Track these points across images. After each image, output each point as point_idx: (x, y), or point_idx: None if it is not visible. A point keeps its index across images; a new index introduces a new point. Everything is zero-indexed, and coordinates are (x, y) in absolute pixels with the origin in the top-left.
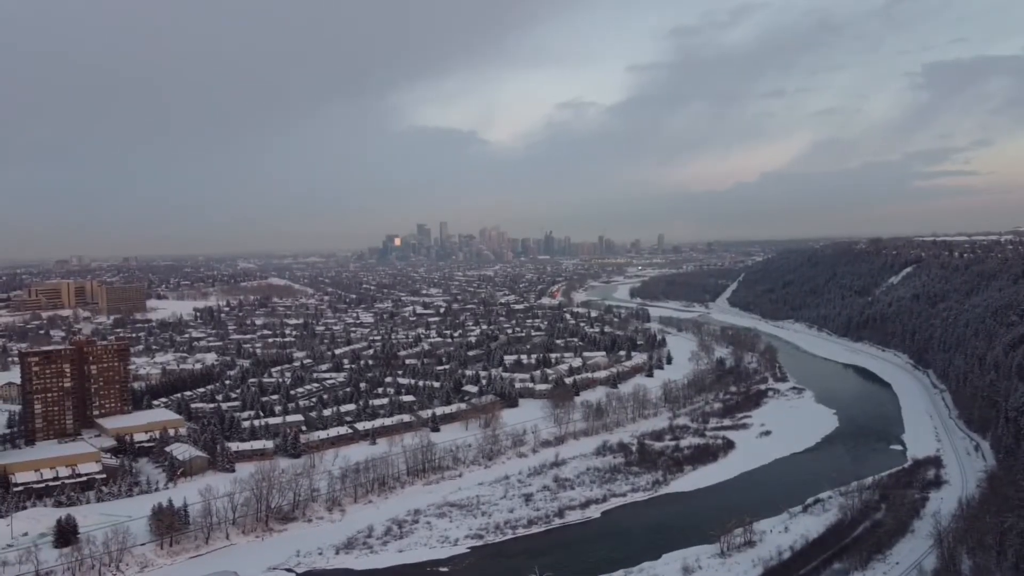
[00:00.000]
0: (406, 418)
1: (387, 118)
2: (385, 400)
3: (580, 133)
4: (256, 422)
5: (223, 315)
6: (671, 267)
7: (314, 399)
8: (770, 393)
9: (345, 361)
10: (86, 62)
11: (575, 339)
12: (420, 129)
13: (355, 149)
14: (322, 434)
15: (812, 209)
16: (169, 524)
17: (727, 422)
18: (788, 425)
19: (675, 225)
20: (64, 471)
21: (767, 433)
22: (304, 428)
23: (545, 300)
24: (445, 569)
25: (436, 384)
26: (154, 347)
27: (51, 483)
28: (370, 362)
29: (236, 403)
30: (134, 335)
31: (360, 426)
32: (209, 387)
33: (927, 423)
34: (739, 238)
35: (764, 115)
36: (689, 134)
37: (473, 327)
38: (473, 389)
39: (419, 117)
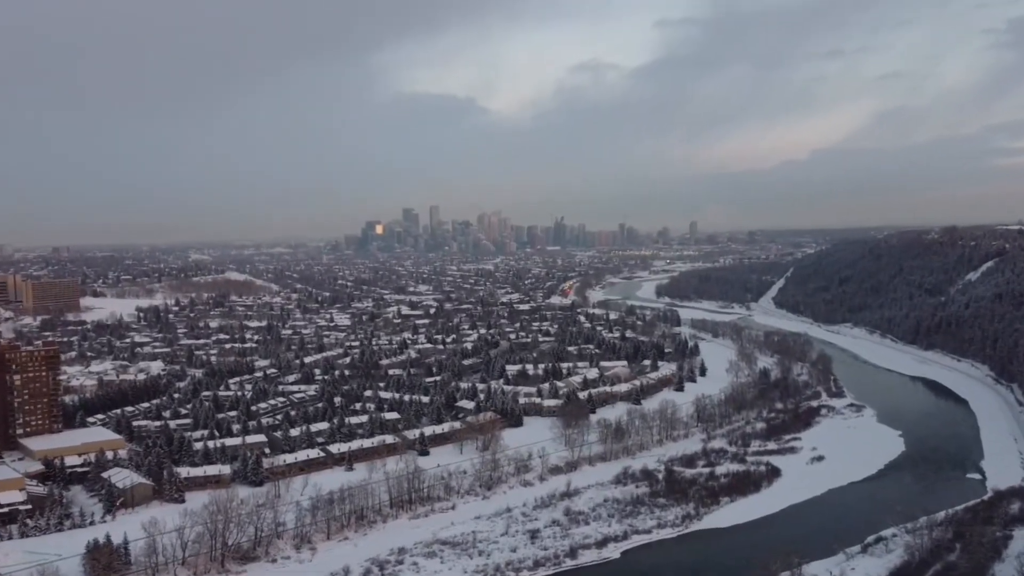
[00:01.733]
0: (389, 439)
1: (369, 83)
2: (364, 418)
3: (598, 101)
4: (211, 443)
5: (171, 316)
6: (705, 260)
7: (279, 416)
8: (823, 411)
9: (316, 371)
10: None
11: (590, 346)
12: (408, 96)
13: (329, 121)
14: (289, 458)
15: (873, 192)
16: (107, 564)
17: (772, 445)
18: (845, 449)
19: (710, 211)
20: None
21: (819, 458)
22: (268, 451)
23: (555, 299)
24: None
25: (425, 399)
26: (89, 354)
27: None
28: (346, 372)
29: (187, 421)
30: (65, 339)
31: (334, 448)
32: (154, 402)
33: (1011, 447)
34: (786, 226)
35: (816, 80)
36: (727, 103)
37: (469, 331)
38: (469, 405)
39: (407, 82)
